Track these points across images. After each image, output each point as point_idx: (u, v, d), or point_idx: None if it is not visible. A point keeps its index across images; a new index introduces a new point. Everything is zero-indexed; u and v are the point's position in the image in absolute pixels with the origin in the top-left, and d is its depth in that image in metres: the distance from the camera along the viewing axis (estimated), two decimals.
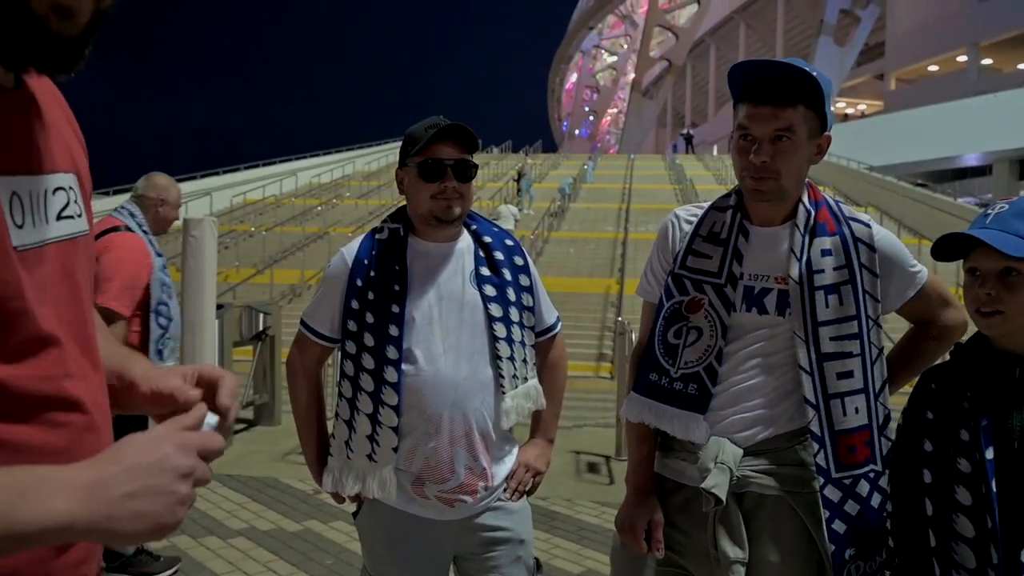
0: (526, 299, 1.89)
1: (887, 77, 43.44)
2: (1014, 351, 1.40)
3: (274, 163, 28.82)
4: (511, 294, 1.84)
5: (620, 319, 10.05)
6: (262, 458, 5.43)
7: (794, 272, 1.59)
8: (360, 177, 29.79)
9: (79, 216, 0.90)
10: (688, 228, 1.73)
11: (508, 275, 1.86)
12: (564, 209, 21.54)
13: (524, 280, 1.89)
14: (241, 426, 6.27)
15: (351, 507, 1.90)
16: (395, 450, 1.75)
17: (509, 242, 1.92)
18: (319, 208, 22.41)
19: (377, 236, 1.85)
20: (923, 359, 1.75)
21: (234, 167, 26.75)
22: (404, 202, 1.88)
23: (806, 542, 1.59)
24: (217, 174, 25.61)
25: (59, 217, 0.85)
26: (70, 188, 0.89)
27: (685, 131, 44.78)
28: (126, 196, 3.43)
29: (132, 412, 0.98)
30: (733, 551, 1.56)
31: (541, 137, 46.80)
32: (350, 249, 1.85)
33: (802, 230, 1.62)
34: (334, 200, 23.77)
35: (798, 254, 1.60)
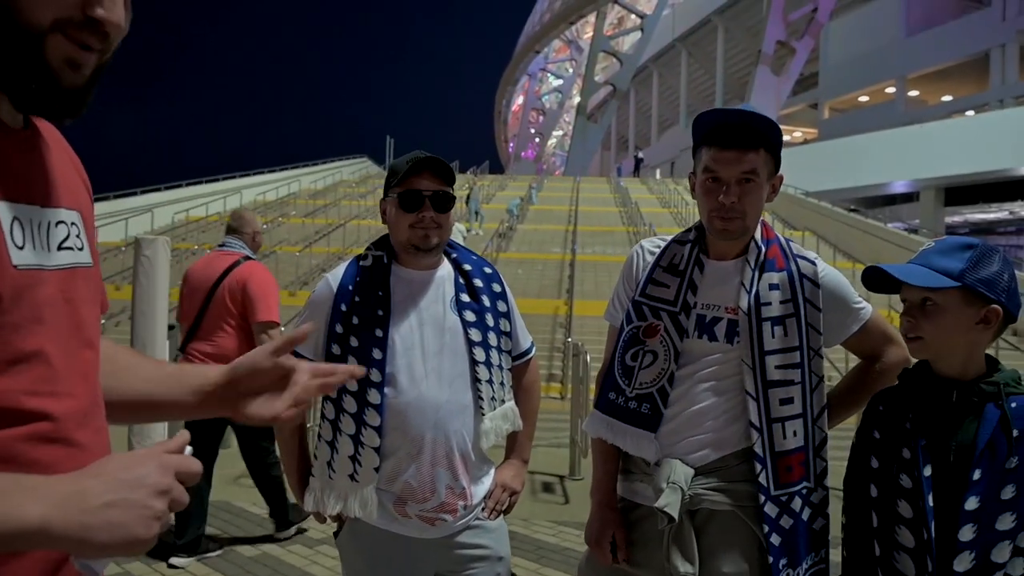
0: (504, 324, 1.98)
1: (821, 106, 45.15)
2: (951, 376, 1.55)
3: (218, 180, 28.31)
4: (490, 320, 1.93)
5: (571, 339, 10.21)
6: (214, 482, 5.34)
7: (743, 304, 1.73)
8: (306, 195, 29.48)
9: (80, 249, 0.95)
10: (651, 259, 1.86)
11: (487, 301, 1.94)
12: (512, 230, 21.72)
13: (502, 306, 1.98)
14: (190, 449, 6.16)
15: (332, 527, 1.95)
16: (377, 470, 1.81)
17: (488, 270, 2.01)
18: (265, 226, 22.07)
19: (361, 263, 1.92)
20: (867, 392, 1.87)
21: (176, 183, 26.21)
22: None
23: (757, 551, 1.70)
24: (159, 190, 25.04)
25: (60, 248, 0.91)
26: (72, 224, 0.94)
27: (637, 154, 46.32)
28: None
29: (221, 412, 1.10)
30: (684, 566, 1.68)
31: (490, 157, 47.19)
32: (335, 275, 1.91)
33: (753, 265, 1.76)
34: (280, 219, 23.47)
35: (748, 287, 1.74)
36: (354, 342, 1.83)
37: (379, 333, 1.82)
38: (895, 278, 1.57)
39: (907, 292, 1.56)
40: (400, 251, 1.92)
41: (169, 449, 0.83)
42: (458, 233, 17.62)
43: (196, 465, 0.83)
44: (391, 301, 1.86)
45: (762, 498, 1.69)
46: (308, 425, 2.43)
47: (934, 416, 1.54)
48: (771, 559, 1.67)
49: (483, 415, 1.88)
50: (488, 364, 1.90)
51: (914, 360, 1.72)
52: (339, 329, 1.85)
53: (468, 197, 23.32)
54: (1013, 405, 1.49)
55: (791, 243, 1.84)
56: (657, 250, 1.87)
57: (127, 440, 5.21)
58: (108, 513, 0.71)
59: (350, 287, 1.88)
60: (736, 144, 1.67)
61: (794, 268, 1.77)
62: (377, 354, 1.81)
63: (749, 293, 1.74)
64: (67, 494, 0.71)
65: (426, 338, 1.86)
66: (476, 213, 22.66)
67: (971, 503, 1.45)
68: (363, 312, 1.85)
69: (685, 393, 1.75)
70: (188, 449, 0.87)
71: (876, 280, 1.62)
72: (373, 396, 1.80)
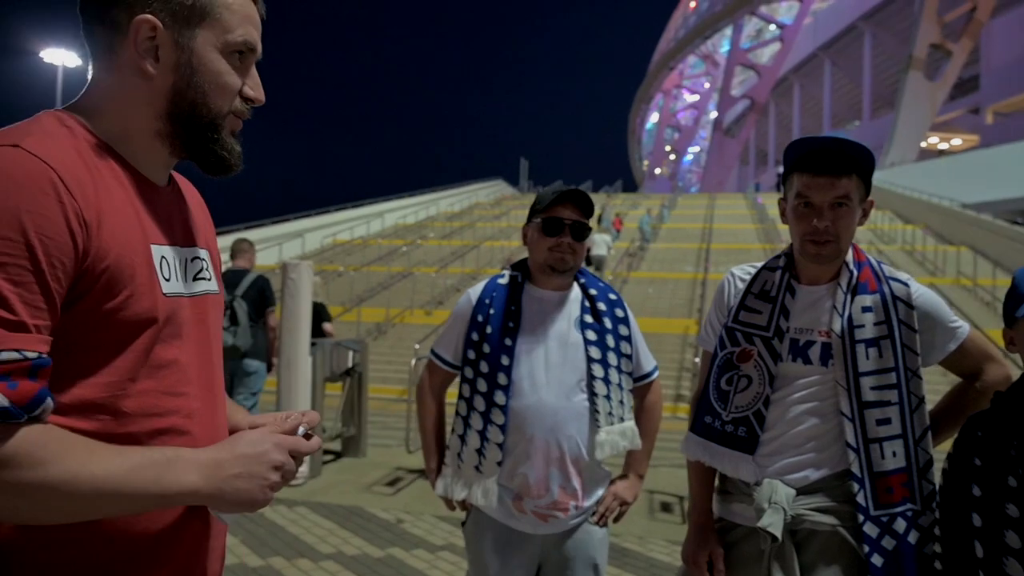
0: (624, 347, 2.14)
1: (983, 111, 41.90)
2: None
3: (362, 205, 29.95)
4: (610, 341, 2.10)
5: (698, 360, 10.05)
6: (349, 488, 5.74)
7: (836, 327, 1.75)
8: (443, 218, 30.60)
9: (210, 280, 1.18)
10: (742, 286, 1.91)
11: (609, 324, 2.12)
12: (643, 249, 21.58)
13: (623, 330, 2.15)
14: (329, 457, 6.61)
15: (461, 516, 2.20)
16: (499, 464, 2.02)
17: (612, 296, 2.19)
18: (404, 248, 23.14)
19: (499, 281, 2.17)
20: (969, 411, 1.84)
21: (325, 209, 27.96)
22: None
23: (858, 572, 1.70)
24: (309, 216, 26.79)
25: (195, 278, 1.13)
26: (204, 260, 1.18)
27: (779, 169, 45.39)
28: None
29: None
30: None
31: (623, 176, 47.17)
32: (475, 290, 2.18)
33: (845, 289, 1.77)
34: (418, 241, 24.50)
35: (840, 310, 1.76)
36: (486, 348, 2.07)
37: (508, 343, 2.05)
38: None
39: None
40: (536, 271, 2.14)
41: (284, 429, 1.08)
42: (603, 244, 17.84)
43: (307, 445, 1.06)
44: (521, 316, 2.09)
45: (861, 518, 1.69)
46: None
47: None
48: None
49: (599, 427, 2.05)
50: (607, 381, 2.07)
51: (1004, 379, 1.67)
52: (475, 337, 2.10)
53: (600, 217, 23.45)
54: None
55: (883, 265, 1.84)
56: (748, 277, 1.91)
57: None
58: (236, 482, 0.97)
59: (487, 301, 2.13)
60: (829, 170, 1.70)
61: (887, 290, 1.77)
62: (505, 360, 2.04)
63: (842, 316, 1.75)
64: (211, 465, 0.96)
65: (550, 351, 2.06)
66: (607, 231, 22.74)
67: None
68: (496, 323, 2.08)
69: (782, 416, 1.78)
70: (301, 429, 1.10)
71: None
72: (499, 398, 2.02)
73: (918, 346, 1.75)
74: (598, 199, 34.07)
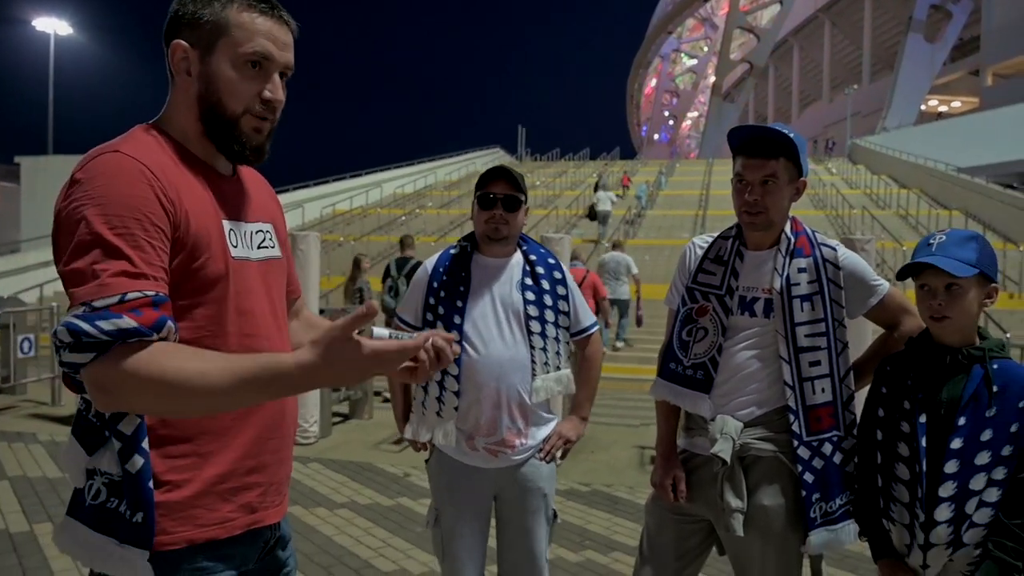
0: (562, 305, 2.44)
1: (983, 72, 41.74)
2: (948, 344, 1.87)
3: (360, 175, 30.06)
4: (547, 300, 2.40)
5: None
6: (358, 446, 6.11)
7: (776, 285, 2.08)
8: (442, 187, 30.74)
9: (273, 247, 1.47)
10: (700, 252, 2.23)
11: (547, 285, 2.42)
12: (640, 216, 21.80)
13: (561, 291, 2.45)
14: (338, 419, 6.98)
15: (425, 455, 2.50)
16: (456, 409, 2.33)
17: (551, 260, 2.49)
18: (403, 218, 23.36)
19: (451, 251, 2.47)
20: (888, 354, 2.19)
21: (323, 179, 28.08)
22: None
23: (793, 488, 2.05)
24: (308, 186, 26.94)
25: (259, 247, 1.42)
26: (267, 232, 1.46)
27: None
28: None
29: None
30: (735, 502, 2.04)
31: (621, 143, 47.21)
32: (431, 261, 2.48)
33: (783, 253, 2.10)
34: (417, 210, 24.70)
35: (780, 271, 2.09)
36: (441, 310, 2.37)
37: (459, 304, 2.36)
38: (917, 266, 1.86)
39: (931, 279, 1.85)
40: (480, 241, 2.44)
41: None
42: (607, 199, 18.65)
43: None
44: (470, 281, 2.40)
45: (795, 443, 2.04)
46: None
47: (930, 375, 1.87)
48: (804, 493, 2.02)
49: (535, 375, 2.36)
50: (543, 335, 2.37)
51: (918, 329, 2.00)
52: (431, 301, 2.40)
53: (597, 185, 23.64)
54: (995, 366, 1.82)
55: (816, 233, 2.16)
56: (706, 245, 2.24)
57: None
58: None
59: (440, 269, 2.42)
60: (759, 153, 2.04)
61: (818, 254, 2.10)
62: (456, 320, 2.34)
63: (781, 276, 2.08)
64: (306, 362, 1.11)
65: (496, 311, 2.36)
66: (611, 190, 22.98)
67: (955, 443, 1.79)
68: (449, 288, 2.38)
69: (731, 361, 2.12)
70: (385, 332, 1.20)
71: (908, 270, 1.91)
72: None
73: (843, 300, 2.09)
74: (596, 166, 34.22)
